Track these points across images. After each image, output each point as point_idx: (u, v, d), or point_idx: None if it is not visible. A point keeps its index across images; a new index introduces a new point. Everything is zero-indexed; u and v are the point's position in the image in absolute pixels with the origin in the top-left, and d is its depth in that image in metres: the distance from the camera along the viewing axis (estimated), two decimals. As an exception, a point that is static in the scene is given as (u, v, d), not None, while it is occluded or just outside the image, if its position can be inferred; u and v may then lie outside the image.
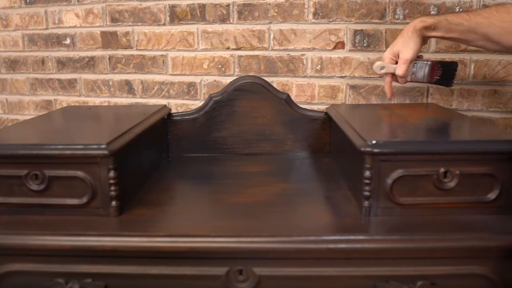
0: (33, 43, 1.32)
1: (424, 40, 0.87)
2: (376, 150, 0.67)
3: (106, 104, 1.31)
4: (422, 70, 0.92)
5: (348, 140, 0.76)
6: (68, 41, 1.29)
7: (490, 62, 1.09)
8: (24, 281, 0.68)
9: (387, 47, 1.12)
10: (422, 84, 1.13)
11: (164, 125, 1.05)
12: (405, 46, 0.87)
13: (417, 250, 0.64)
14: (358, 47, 1.14)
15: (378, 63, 0.91)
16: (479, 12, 0.81)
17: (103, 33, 1.26)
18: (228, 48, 1.20)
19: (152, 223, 0.70)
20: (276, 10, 1.15)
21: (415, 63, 0.91)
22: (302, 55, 1.17)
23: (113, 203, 0.71)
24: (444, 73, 0.93)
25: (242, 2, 1.16)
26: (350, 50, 1.14)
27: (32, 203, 0.71)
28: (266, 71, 1.19)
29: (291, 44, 1.16)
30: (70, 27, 1.28)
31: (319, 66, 1.16)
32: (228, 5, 1.17)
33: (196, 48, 1.22)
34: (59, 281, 0.66)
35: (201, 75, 1.23)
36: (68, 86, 1.33)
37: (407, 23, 0.93)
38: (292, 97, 1.07)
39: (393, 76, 0.92)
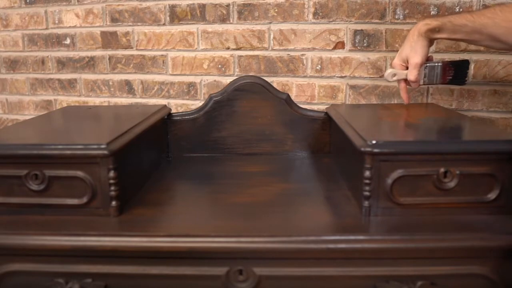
0: (33, 43, 1.32)
1: (431, 42, 0.87)
2: (376, 150, 0.67)
3: (106, 104, 1.31)
4: (434, 72, 0.93)
5: (348, 140, 0.76)
6: (68, 41, 1.29)
7: (490, 62, 1.09)
8: (24, 281, 0.68)
9: (387, 47, 1.13)
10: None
11: (164, 125, 1.05)
12: (412, 51, 0.87)
13: (417, 250, 0.64)
14: (358, 47, 1.14)
15: (389, 71, 0.92)
16: (483, 12, 0.80)
17: (103, 33, 1.26)
18: (228, 48, 1.20)
19: (152, 223, 0.70)
20: (276, 10, 1.15)
21: (426, 66, 0.91)
22: (302, 55, 1.17)
23: (113, 203, 0.71)
24: (456, 72, 0.94)
25: (242, 2, 1.16)
26: (350, 50, 1.14)
27: (32, 203, 0.71)
28: (266, 71, 1.19)
29: (291, 44, 1.16)
30: (70, 27, 1.28)
31: (319, 66, 1.16)
32: (228, 5, 1.17)
33: (196, 48, 1.22)
34: (59, 281, 0.66)
35: (201, 75, 1.23)
36: (68, 86, 1.33)
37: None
38: (292, 97, 1.07)
39: (406, 81, 0.92)
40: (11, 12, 1.32)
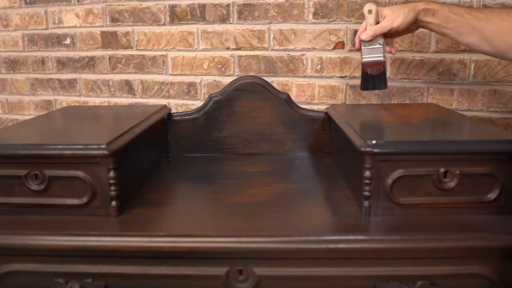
0: (33, 43, 1.32)
1: (416, 25, 0.83)
2: (376, 150, 0.67)
3: (106, 104, 1.31)
4: (372, 54, 0.87)
5: (348, 140, 0.76)
6: (68, 41, 1.29)
7: (490, 62, 1.09)
8: (24, 281, 0.68)
9: (387, 47, 1.12)
10: (422, 84, 1.13)
11: (164, 125, 1.05)
12: (392, 16, 0.82)
13: (417, 250, 0.64)
14: (358, 47, 1.14)
15: (369, 6, 0.85)
16: (481, 9, 0.78)
17: (103, 33, 1.26)
18: (228, 48, 1.20)
19: (152, 223, 0.70)
20: (276, 10, 1.15)
21: (380, 44, 0.86)
22: (302, 55, 1.17)
23: (113, 203, 0.71)
24: (378, 77, 0.90)
25: (242, 2, 1.16)
26: (350, 50, 1.14)
27: (32, 203, 0.71)
28: (266, 71, 1.19)
29: (291, 44, 1.16)
30: (70, 27, 1.28)
31: (319, 66, 1.16)
32: (228, 5, 1.17)
33: (196, 48, 1.22)
34: (59, 281, 0.66)
35: (201, 75, 1.23)
36: (68, 86, 1.33)
37: (402, 4, 0.91)
38: (292, 97, 1.07)
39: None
40: (11, 12, 1.32)
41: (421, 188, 0.69)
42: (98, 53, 1.28)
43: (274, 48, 1.17)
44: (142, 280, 0.66)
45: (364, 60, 0.89)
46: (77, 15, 1.27)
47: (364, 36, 0.85)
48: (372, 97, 1.16)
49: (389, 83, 1.13)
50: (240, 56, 1.20)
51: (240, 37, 1.18)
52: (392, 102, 1.15)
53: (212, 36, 1.20)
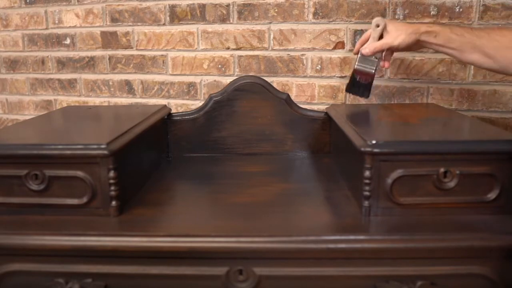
0: (33, 43, 1.32)
1: (418, 45, 0.85)
2: (376, 150, 0.67)
3: (106, 104, 1.31)
4: (365, 67, 0.92)
5: (348, 140, 0.76)
6: (68, 41, 1.29)
7: (490, 62, 1.08)
8: (24, 281, 0.68)
9: (387, 47, 1.12)
10: (422, 84, 1.13)
11: (164, 125, 1.05)
12: (395, 34, 0.85)
13: (417, 250, 0.64)
14: (358, 47, 1.14)
15: (378, 20, 0.87)
16: (482, 28, 0.81)
17: (103, 33, 1.26)
18: (228, 48, 1.20)
19: (152, 223, 0.70)
20: (276, 10, 1.15)
21: (376, 58, 0.91)
22: (302, 55, 1.17)
23: (113, 203, 0.71)
24: (365, 85, 0.94)
25: (242, 2, 1.16)
26: (350, 50, 1.14)
27: (32, 203, 0.71)
28: (266, 71, 1.19)
29: (291, 44, 1.16)
30: (70, 27, 1.28)
31: (319, 66, 1.16)
32: (228, 5, 1.17)
33: (196, 48, 1.22)
34: (59, 281, 0.66)
35: (201, 75, 1.23)
36: (68, 86, 1.33)
37: (407, 23, 0.93)
38: (292, 97, 1.07)
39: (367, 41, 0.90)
40: (11, 12, 1.32)
41: (421, 188, 0.69)
42: (98, 53, 1.28)
43: (274, 48, 1.17)
44: (142, 280, 0.66)
45: (356, 66, 0.94)
46: (77, 15, 1.27)
47: (364, 51, 0.89)
48: (372, 97, 1.16)
49: (389, 83, 1.14)
50: (240, 56, 1.20)
51: (240, 37, 1.18)
52: (392, 102, 1.15)
53: (212, 36, 1.20)
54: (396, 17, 1.10)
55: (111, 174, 0.69)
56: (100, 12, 1.25)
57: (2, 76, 1.38)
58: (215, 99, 1.05)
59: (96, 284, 0.66)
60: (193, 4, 1.19)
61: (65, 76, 1.32)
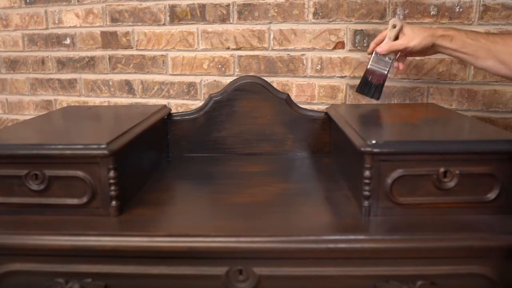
0: (33, 43, 1.32)
1: (433, 49, 0.86)
2: (376, 150, 0.67)
3: (106, 104, 1.31)
4: (380, 68, 0.92)
5: (348, 140, 0.76)
6: (68, 41, 1.29)
7: (490, 62, 1.08)
8: (24, 281, 0.68)
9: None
10: (422, 84, 1.13)
11: (164, 125, 1.05)
12: (411, 35, 0.85)
13: (417, 250, 0.64)
14: (358, 47, 1.14)
15: (395, 21, 0.88)
16: (498, 34, 0.81)
17: (103, 33, 1.26)
18: (228, 48, 1.20)
19: (152, 223, 0.70)
20: (276, 10, 1.15)
21: (391, 58, 0.91)
22: (302, 55, 1.17)
23: (113, 203, 0.71)
24: (376, 88, 0.94)
25: (242, 2, 1.16)
26: (350, 50, 1.14)
27: (32, 203, 0.71)
28: (266, 71, 1.19)
29: (291, 44, 1.16)
30: (70, 27, 1.28)
31: (319, 66, 1.16)
32: (228, 5, 1.17)
33: (196, 48, 1.22)
34: (59, 281, 0.66)
35: (201, 75, 1.23)
36: (68, 86, 1.33)
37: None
38: (292, 97, 1.07)
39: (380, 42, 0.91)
40: (11, 12, 1.32)
41: (421, 188, 0.69)
42: (98, 53, 1.28)
43: (274, 48, 1.18)
44: (142, 280, 0.66)
45: (369, 66, 0.93)
46: (77, 15, 1.27)
47: (380, 49, 0.90)
48: (372, 97, 1.16)
49: (389, 83, 1.14)
50: (240, 56, 1.20)
51: (240, 37, 1.18)
52: (392, 102, 1.15)
53: (212, 36, 1.20)
54: (396, 17, 1.10)
55: (111, 174, 0.69)
56: (100, 12, 1.25)
57: (2, 76, 1.38)
58: (215, 99, 1.05)
59: (96, 284, 0.66)
60: (193, 4, 1.19)
61: (65, 76, 1.33)
